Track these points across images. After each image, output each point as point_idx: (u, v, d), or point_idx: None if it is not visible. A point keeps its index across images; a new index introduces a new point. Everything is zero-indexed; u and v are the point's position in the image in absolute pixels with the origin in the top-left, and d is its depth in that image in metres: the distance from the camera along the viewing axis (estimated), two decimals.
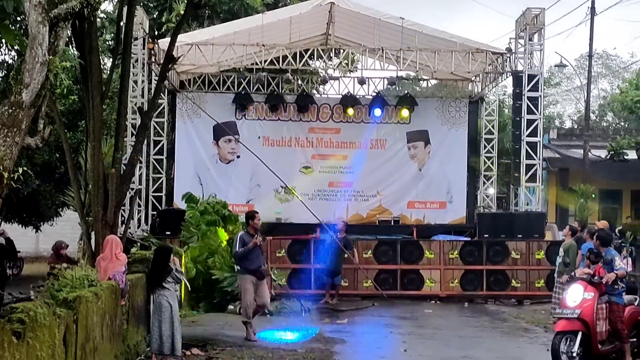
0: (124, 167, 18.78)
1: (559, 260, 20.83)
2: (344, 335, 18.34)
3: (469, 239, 26.66)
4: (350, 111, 30.09)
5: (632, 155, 33.76)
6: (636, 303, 15.63)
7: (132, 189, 24.02)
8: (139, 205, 27.46)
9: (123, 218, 21.87)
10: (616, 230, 28.01)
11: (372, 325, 20.32)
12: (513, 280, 25.32)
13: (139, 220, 27.51)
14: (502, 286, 25.34)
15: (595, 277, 14.53)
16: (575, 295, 14.42)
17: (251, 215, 17.93)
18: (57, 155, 27.87)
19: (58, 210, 32.11)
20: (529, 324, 20.80)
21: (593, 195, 35.38)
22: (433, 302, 24.76)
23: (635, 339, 15.00)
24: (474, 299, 25.15)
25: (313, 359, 15.55)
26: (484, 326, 20.26)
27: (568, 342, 14.03)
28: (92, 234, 18.54)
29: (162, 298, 14.45)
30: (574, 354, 13.89)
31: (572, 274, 16.04)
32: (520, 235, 25.89)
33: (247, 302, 17.28)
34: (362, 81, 29.07)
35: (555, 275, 21.03)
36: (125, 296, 14.06)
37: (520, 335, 19.13)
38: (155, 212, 27.88)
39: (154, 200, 28.85)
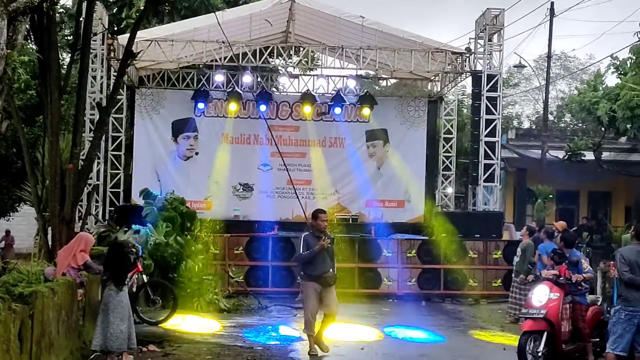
0: (82, 163, 18.67)
1: (516, 259, 20.94)
2: (301, 333, 18.32)
3: (426, 237, 26.67)
4: (310, 109, 29.87)
5: (589, 156, 33.99)
6: (598, 303, 15.85)
7: (90, 185, 23.91)
8: (97, 201, 27.25)
9: (80, 214, 21.78)
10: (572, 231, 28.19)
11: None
12: (470, 280, 25.38)
13: (97, 216, 27.34)
14: (459, 285, 25.35)
15: (561, 278, 14.66)
16: (541, 296, 14.55)
17: (314, 214, 16.31)
18: (14, 150, 27.64)
19: (15, 205, 31.82)
20: (485, 323, 20.90)
21: (550, 196, 35.60)
22: (390, 300, 24.77)
23: (597, 339, 15.15)
24: (432, 297, 25.14)
25: (270, 357, 15.56)
26: (441, 325, 20.30)
27: (534, 342, 14.14)
28: (49, 229, 18.45)
29: (114, 294, 14.29)
30: (539, 354, 14.02)
31: (538, 273, 16.24)
32: (478, 235, 25.98)
33: (308, 313, 15.65)
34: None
35: (513, 275, 21.17)
36: (80, 290, 13.99)
37: (477, 334, 19.22)
38: (112, 208, 27.73)
39: (112, 196, 28.73)
